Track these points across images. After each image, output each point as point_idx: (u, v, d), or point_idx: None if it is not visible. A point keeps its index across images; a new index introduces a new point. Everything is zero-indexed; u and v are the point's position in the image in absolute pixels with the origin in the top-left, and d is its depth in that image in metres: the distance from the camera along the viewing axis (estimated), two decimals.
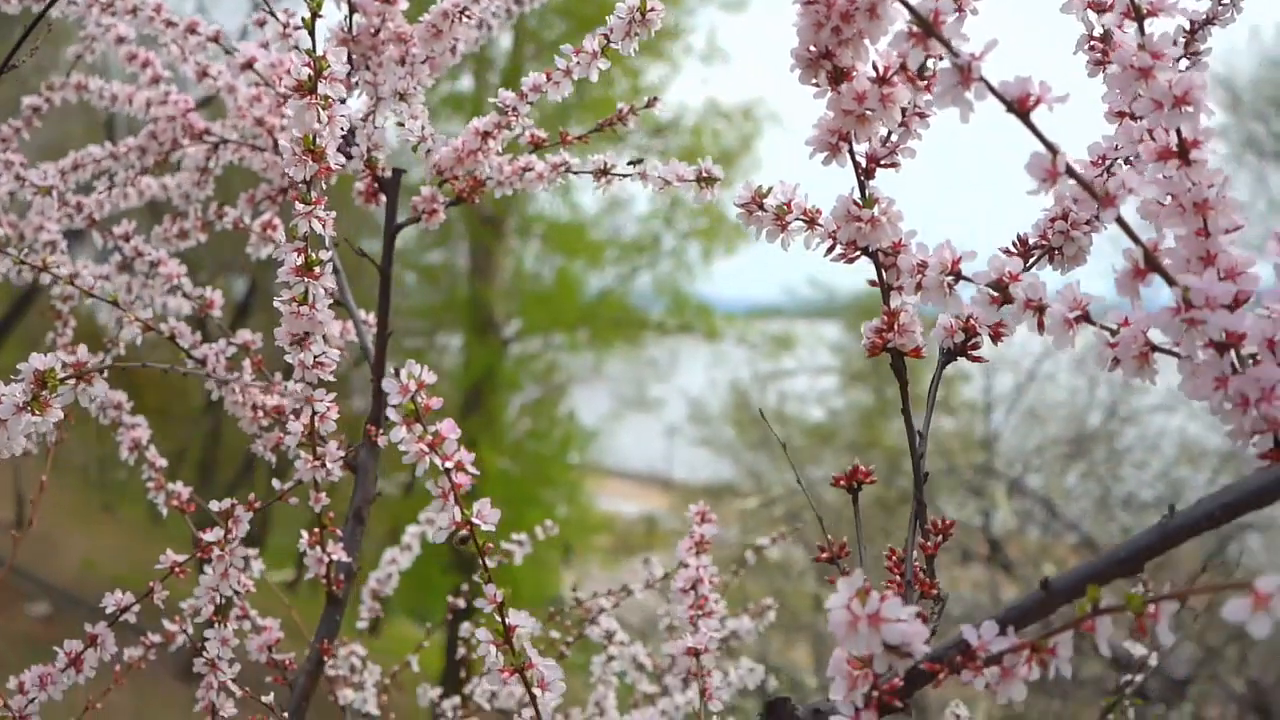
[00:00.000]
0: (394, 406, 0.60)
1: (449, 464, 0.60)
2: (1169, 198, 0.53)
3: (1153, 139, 0.55)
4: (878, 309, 0.64)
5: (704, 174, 0.83)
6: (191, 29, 1.10)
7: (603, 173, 0.92)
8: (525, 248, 12.09)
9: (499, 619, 0.64)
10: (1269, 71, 8.65)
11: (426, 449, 0.60)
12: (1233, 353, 0.51)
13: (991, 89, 0.49)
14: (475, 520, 0.62)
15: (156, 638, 1.11)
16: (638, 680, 1.31)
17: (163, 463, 1.09)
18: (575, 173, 0.94)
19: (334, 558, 0.95)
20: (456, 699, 1.46)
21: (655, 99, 0.97)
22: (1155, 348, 0.54)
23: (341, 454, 0.89)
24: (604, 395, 12.22)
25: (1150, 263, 0.50)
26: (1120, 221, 0.50)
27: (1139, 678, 1.07)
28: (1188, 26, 0.70)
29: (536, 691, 0.63)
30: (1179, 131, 0.52)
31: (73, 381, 0.65)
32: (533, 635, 1.25)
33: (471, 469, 0.61)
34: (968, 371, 9.42)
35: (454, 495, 0.61)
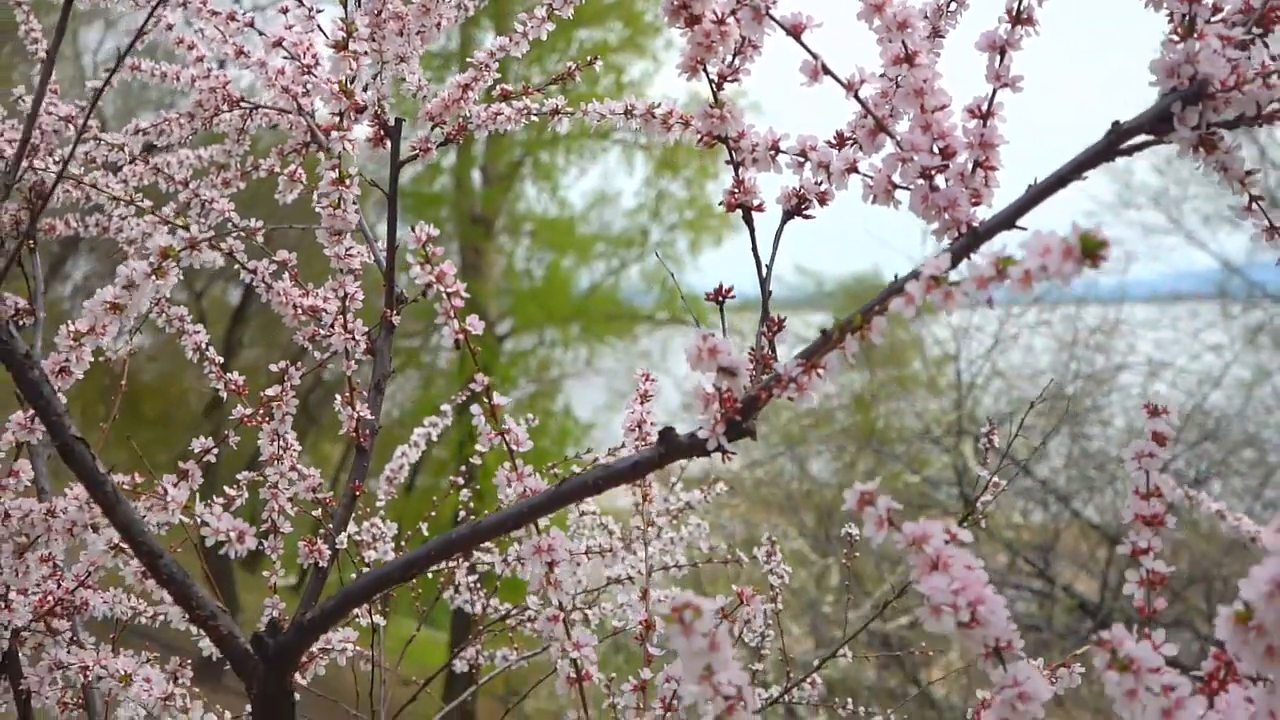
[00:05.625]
0: (411, 251, 0.89)
1: (450, 290, 0.90)
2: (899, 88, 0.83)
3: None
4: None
5: (629, 108, 1.13)
6: (231, 16, 1.39)
7: (555, 112, 1.22)
8: (515, 245, 12.38)
9: (487, 401, 0.93)
10: None
11: (434, 280, 0.90)
12: (940, 180, 0.81)
13: (776, 21, 0.79)
14: (468, 327, 0.91)
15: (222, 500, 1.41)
16: (607, 542, 1.61)
17: (220, 359, 1.38)
18: (535, 115, 1.24)
19: (361, 415, 1.25)
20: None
21: (595, 58, 1.27)
22: (895, 185, 0.83)
23: (366, 329, 1.19)
24: (598, 389, 12.49)
25: (879, 126, 0.81)
26: (859, 100, 0.80)
27: (987, 497, 1.37)
28: None
29: (515, 446, 0.93)
30: (904, 44, 0.82)
31: (189, 250, 0.94)
32: None
33: (464, 293, 0.90)
34: (954, 353, 9.76)
35: (454, 311, 0.91)
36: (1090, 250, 0.56)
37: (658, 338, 12.37)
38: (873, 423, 8.87)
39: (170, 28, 1.50)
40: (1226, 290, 8.34)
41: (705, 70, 0.88)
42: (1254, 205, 0.77)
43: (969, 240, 0.77)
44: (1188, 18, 0.73)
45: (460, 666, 1.69)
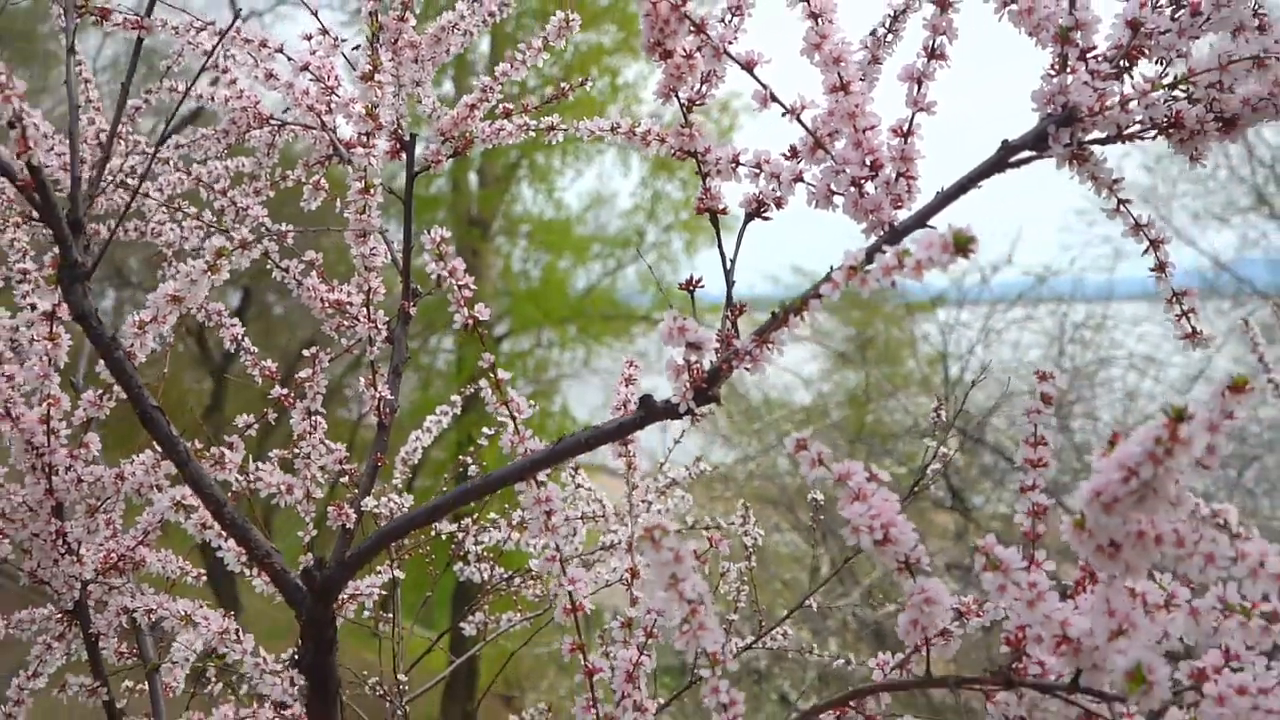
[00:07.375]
0: (426, 250, 1.06)
1: (460, 282, 1.07)
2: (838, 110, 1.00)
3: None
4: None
5: (615, 126, 1.30)
6: (263, 44, 1.56)
7: (551, 128, 1.39)
8: (512, 246, 12.54)
9: (493, 375, 1.10)
10: None
11: (447, 274, 1.07)
12: (869, 187, 0.98)
13: (731, 57, 0.96)
14: (476, 314, 1.08)
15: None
16: (599, 513, 1.78)
17: (255, 350, 1.55)
18: (533, 130, 1.41)
19: (383, 395, 1.42)
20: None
21: (585, 79, 1.44)
22: (833, 192, 1.00)
23: (387, 318, 1.36)
24: (595, 389, 12.64)
25: (817, 144, 0.98)
26: (800, 122, 0.97)
27: (936, 467, 1.53)
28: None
29: (516, 414, 1.10)
30: (839, 74, 0.99)
31: (239, 250, 1.11)
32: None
33: (472, 285, 1.07)
34: (943, 350, 9.94)
35: (463, 300, 1.08)
36: (961, 245, 0.73)
37: (654, 338, 12.51)
38: (864, 418, 9.04)
39: (207, 54, 1.67)
40: (1215, 286, 8.51)
41: (677, 96, 1.05)
42: (1121, 208, 0.95)
43: (888, 237, 0.94)
44: (1061, 56, 0.90)
45: (468, 630, 1.86)
